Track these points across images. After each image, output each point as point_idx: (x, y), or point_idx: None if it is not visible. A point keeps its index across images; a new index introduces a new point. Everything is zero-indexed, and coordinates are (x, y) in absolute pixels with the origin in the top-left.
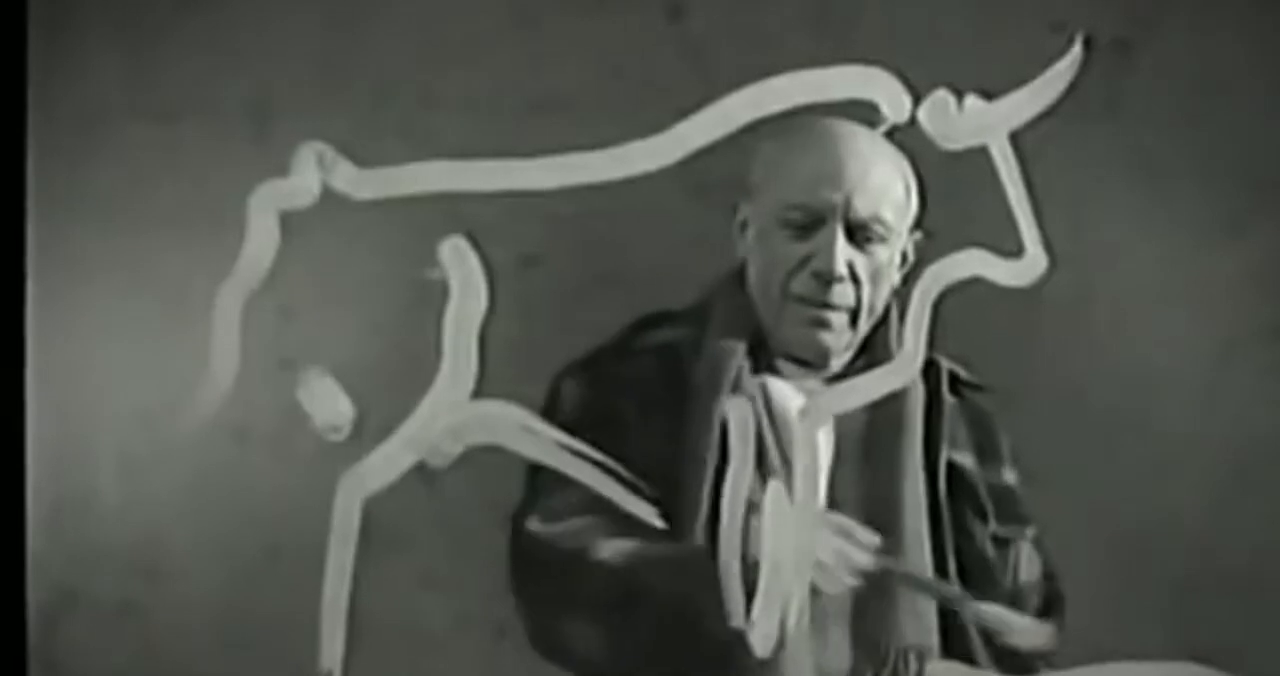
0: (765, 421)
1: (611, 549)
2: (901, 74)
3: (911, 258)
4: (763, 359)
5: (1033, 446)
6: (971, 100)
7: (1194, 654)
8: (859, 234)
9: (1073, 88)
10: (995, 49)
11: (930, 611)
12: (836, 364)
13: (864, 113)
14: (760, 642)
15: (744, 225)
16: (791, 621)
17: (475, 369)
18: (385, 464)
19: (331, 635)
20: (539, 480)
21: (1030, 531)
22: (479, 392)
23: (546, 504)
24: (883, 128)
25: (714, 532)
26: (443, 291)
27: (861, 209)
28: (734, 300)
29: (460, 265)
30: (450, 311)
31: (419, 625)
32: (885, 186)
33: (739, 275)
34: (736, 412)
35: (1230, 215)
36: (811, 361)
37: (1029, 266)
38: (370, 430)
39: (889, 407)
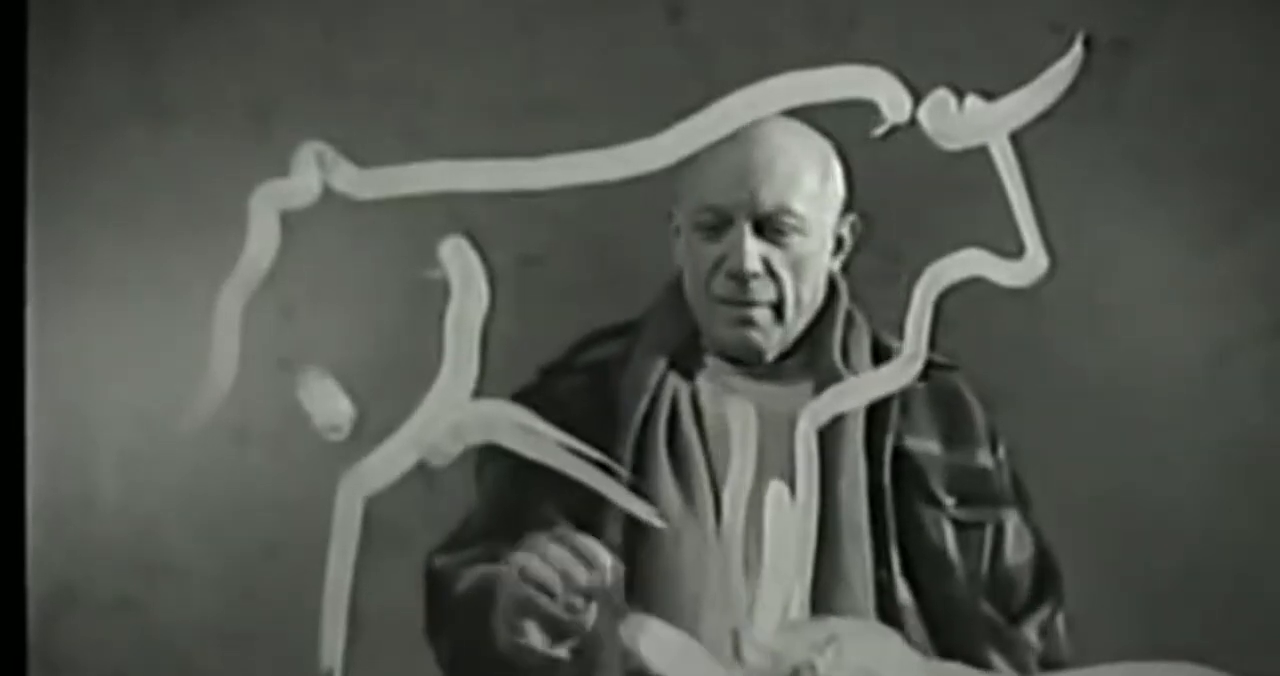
0: (692, 425)
1: (468, 577)
2: (901, 74)
3: (849, 242)
4: (694, 359)
5: (1031, 446)
6: (971, 100)
7: (1193, 654)
8: (768, 227)
9: (1072, 88)
10: (995, 49)
11: (867, 588)
12: (770, 358)
13: (864, 113)
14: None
15: (677, 231)
16: (794, 614)
17: (475, 369)
18: (385, 464)
19: (332, 633)
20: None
21: (1007, 513)
22: (479, 392)
23: (455, 535)
24: (883, 128)
25: (633, 545)
26: (443, 291)
27: (767, 202)
28: (672, 308)
29: (460, 265)
30: (450, 311)
31: (419, 624)
32: (792, 177)
33: (679, 282)
34: (738, 413)
35: (1229, 215)
36: (745, 359)
37: (1029, 266)
38: (370, 430)
39: None
